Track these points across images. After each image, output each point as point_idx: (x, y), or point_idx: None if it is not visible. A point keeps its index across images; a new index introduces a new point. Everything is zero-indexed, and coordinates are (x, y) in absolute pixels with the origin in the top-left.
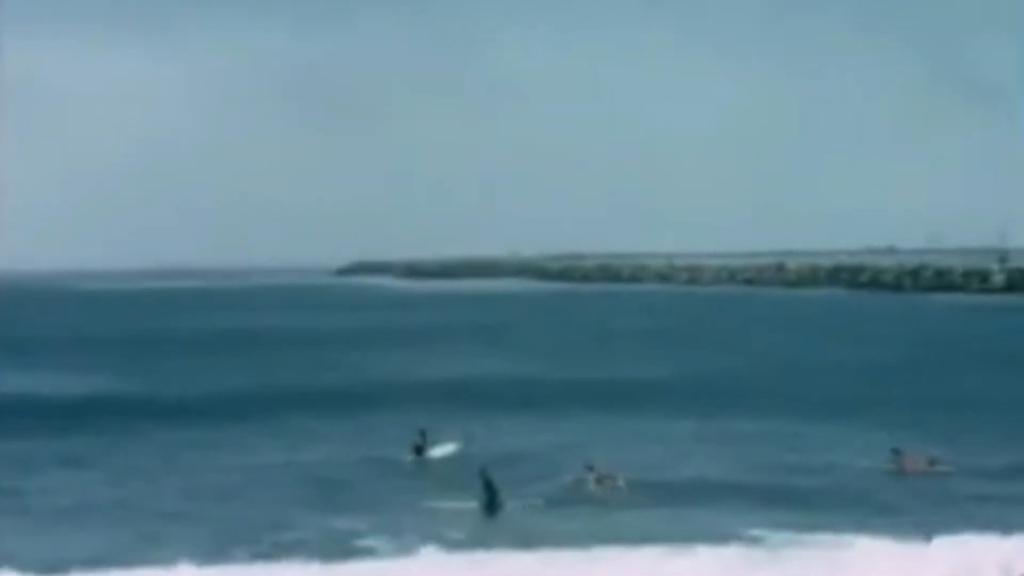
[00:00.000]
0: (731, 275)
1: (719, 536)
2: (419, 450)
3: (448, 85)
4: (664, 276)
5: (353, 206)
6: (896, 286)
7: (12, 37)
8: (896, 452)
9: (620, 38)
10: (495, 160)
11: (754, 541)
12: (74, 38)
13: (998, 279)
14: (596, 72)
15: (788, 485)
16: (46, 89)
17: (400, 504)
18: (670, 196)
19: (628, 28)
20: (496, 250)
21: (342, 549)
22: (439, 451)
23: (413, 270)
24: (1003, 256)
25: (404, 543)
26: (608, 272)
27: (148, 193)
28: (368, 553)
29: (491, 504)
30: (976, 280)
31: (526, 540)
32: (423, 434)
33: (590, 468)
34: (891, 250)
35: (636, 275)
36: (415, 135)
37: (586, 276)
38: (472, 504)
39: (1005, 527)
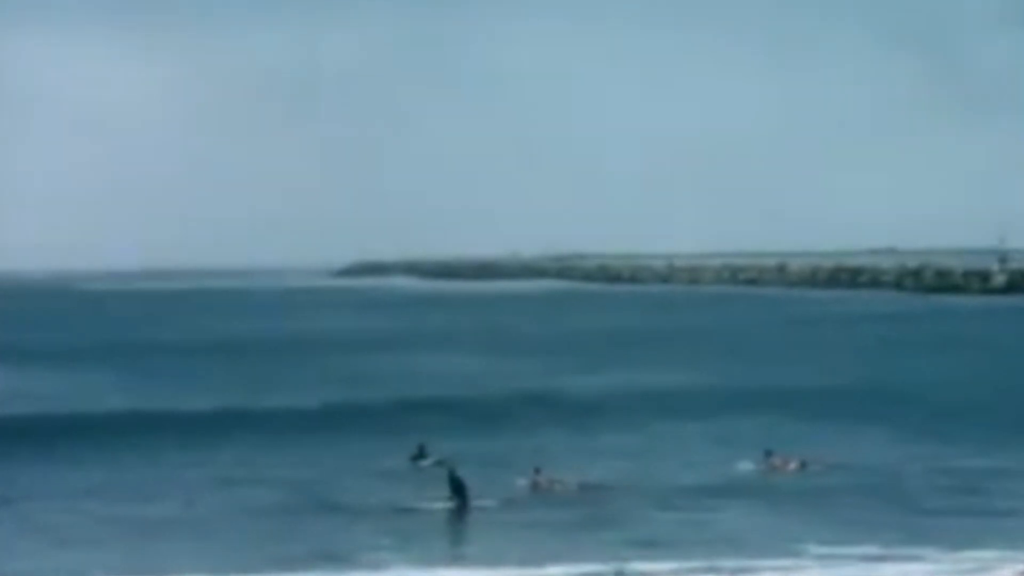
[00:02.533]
0: (732, 275)
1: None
2: (416, 459)
3: (448, 83)
4: (665, 277)
5: (351, 206)
6: (897, 286)
7: (8, 36)
8: (768, 453)
9: (621, 36)
10: (495, 159)
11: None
12: (73, 37)
13: (999, 280)
14: (597, 71)
15: (668, 484)
16: (43, 88)
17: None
18: (671, 196)
19: (628, 26)
20: (495, 250)
21: (327, 551)
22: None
23: (413, 270)
24: (1003, 257)
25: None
26: (609, 273)
27: (148, 193)
28: (348, 549)
29: (460, 505)
30: (977, 281)
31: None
32: (421, 447)
33: (537, 471)
34: (892, 251)
35: (637, 275)
36: (414, 133)
37: (587, 276)
38: (442, 505)
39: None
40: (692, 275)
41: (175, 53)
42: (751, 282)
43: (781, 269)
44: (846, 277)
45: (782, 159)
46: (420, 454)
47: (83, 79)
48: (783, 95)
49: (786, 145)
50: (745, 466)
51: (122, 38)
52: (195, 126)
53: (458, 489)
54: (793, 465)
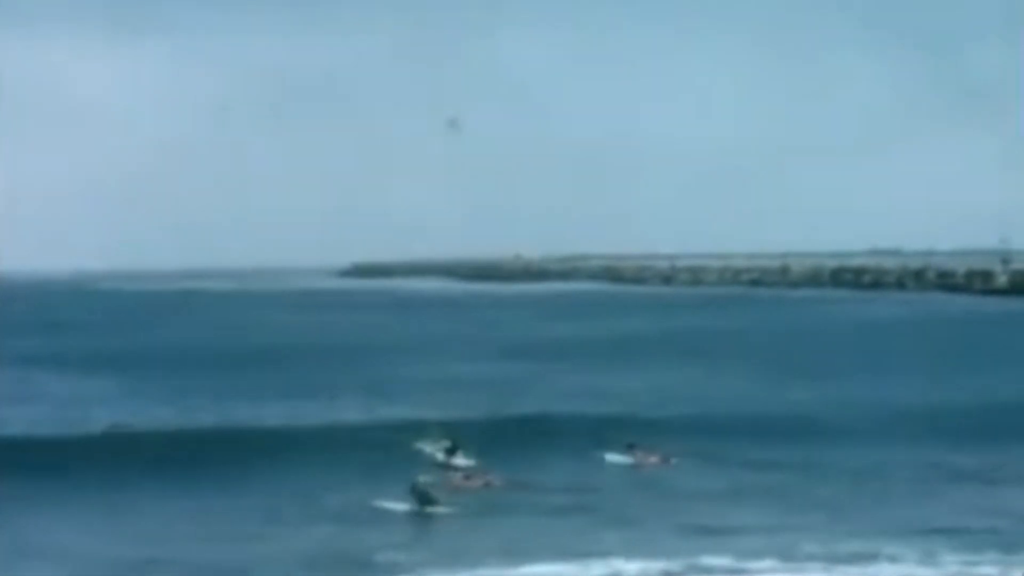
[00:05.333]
0: (735, 276)
1: None
2: (448, 454)
3: (450, 83)
4: (668, 277)
5: (355, 207)
6: (899, 287)
7: (14, 37)
8: (631, 447)
9: (621, 36)
10: (496, 160)
11: None
12: (76, 37)
13: (1001, 280)
14: (597, 70)
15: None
16: (49, 89)
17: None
18: (673, 196)
19: (630, 26)
20: (499, 251)
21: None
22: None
23: (416, 271)
24: (1005, 258)
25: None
26: (612, 274)
27: (150, 194)
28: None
29: (423, 504)
30: (979, 281)
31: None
32: (453, 443)
33: (447, 468)
34: (895, 252)
35: (640, 277)
36: (416, 134)
37: (592, 276)
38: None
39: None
40: (695, 276)
41: (179, 53)
42: (754, 283)
43: (784, 270)
44: (849, 278)
45: (784, 159)
46: (452, 450)
47: (85, 80)
48: (785, 95)
49: (788, 145)
50: (613, 458)
51: (124, 38)
52: (198, 127)
53: (424, 494)
54: (654, 459)
